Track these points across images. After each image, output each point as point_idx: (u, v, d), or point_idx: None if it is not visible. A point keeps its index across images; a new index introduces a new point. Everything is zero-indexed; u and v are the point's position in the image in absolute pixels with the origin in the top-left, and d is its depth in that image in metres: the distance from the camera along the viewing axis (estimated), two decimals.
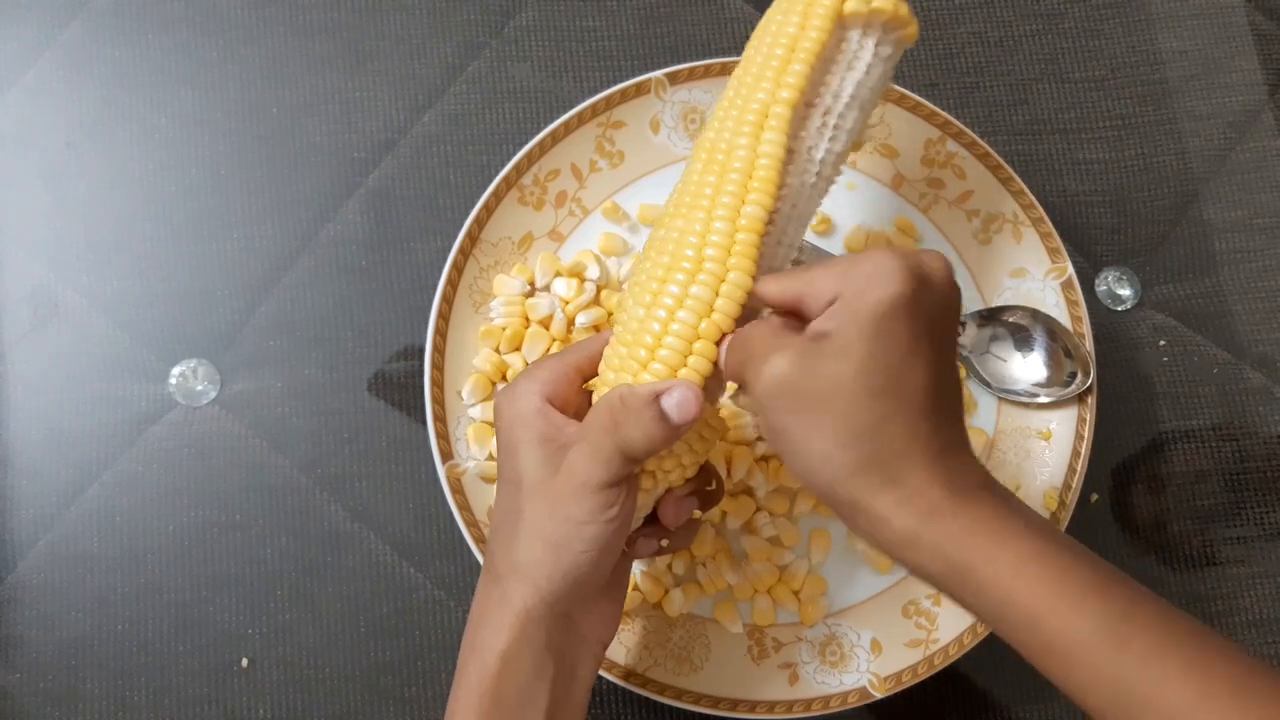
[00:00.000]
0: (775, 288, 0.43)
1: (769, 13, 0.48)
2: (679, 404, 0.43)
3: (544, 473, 0.44)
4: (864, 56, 0.47)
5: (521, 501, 0.44)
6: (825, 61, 0.46)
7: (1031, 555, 0.39)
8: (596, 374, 0.48)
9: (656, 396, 0.43)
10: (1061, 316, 0.60)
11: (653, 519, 0.49)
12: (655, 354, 0.44)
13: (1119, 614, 0.38)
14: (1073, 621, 0.38)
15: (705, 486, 0.50)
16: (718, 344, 0.44)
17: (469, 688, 0.44)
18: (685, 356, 0.44)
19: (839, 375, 0.39)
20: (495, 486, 0.49)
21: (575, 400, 0.48)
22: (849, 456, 0.39)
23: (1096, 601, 0.38)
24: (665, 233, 0.46)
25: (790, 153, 0.46)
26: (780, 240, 0.47)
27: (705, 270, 0.44)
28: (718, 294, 0.44)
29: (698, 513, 0.51)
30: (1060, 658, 0.38)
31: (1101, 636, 0.37)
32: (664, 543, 0.50)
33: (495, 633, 0.43)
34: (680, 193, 0.47)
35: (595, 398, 0.47)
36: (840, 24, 0.46)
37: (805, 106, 0.46)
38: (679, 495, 0.49)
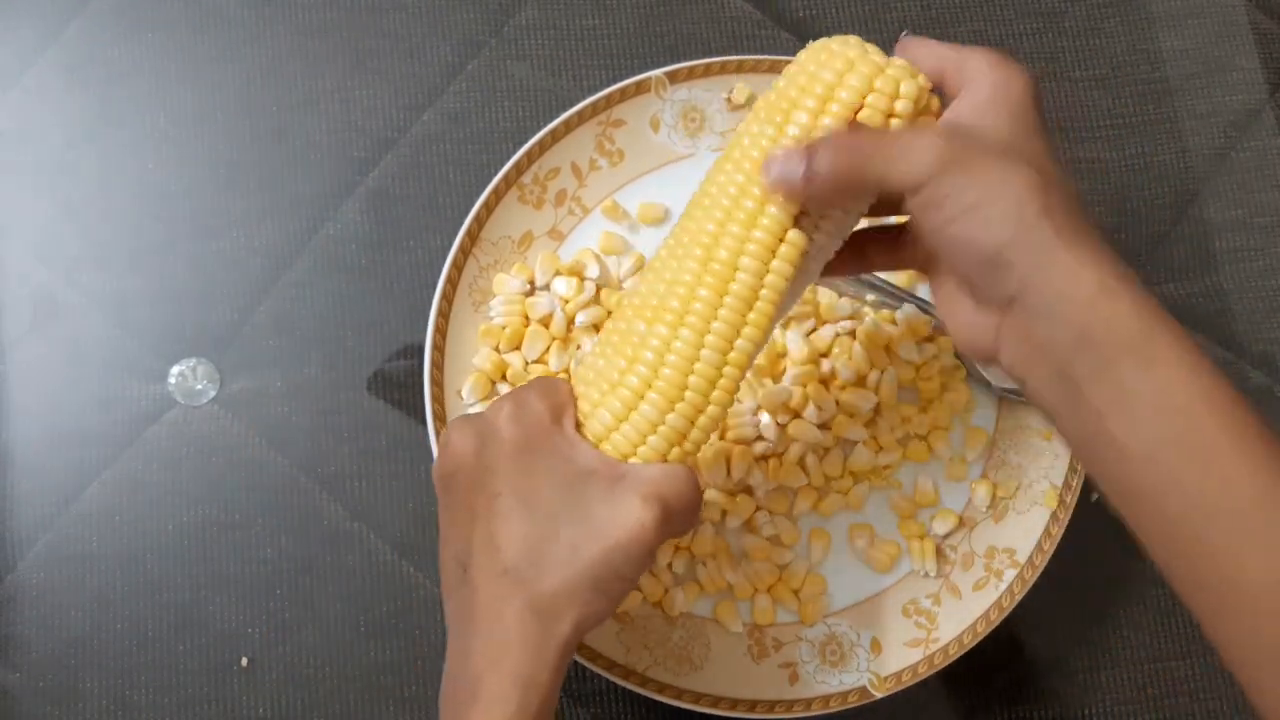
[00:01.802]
0: (927, 52, 0.44)
1: (798, 66, 0.45)
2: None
3: (573, 503, 0.44)
4: None
5: (560, 529, 0.44)
6: None
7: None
8: None
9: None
10: None
11: None
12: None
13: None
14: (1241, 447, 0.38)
15: None
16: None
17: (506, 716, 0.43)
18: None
19: (1014, 137, 0.41)
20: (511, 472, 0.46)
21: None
22: (1044, 201, 0.39)
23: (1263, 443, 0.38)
24: (652, 304, 0.46)
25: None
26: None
27: (689, 390, 0.45)
28: (694, 422, 0.46)
29: None
30: (1206, 465, 0.38)
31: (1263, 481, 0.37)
32: None
33: (539, 666, 0.43)
34: (674, 271, 0.46)
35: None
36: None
37: None
38: None
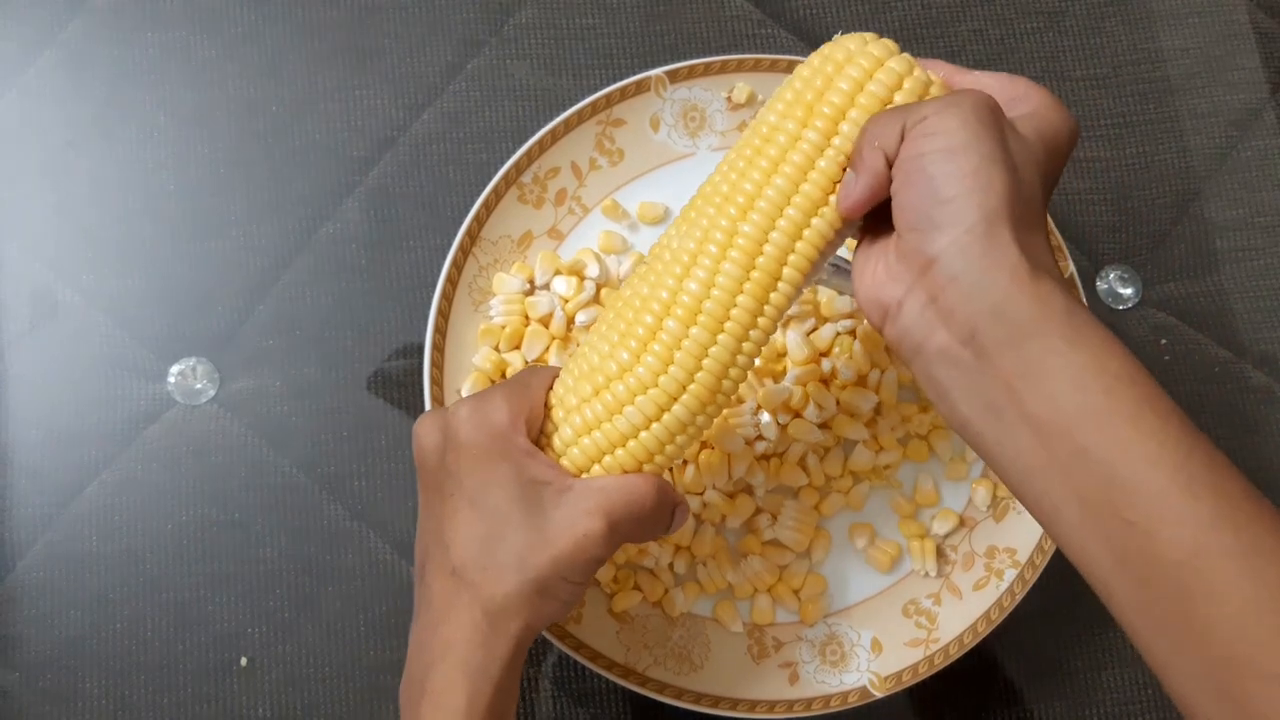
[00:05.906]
0: (974, 80, 0.47)
1: (821, 58, 0.47)
2: (679, 521, 0.49)
3: (523, 511, 0.45)
4: None
5: (508, 534, 0.45)
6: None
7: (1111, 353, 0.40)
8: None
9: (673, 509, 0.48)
10: None
11: None
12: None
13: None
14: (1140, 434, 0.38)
15: None
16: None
17: (459, 711, 0.44)
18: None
19: (1033, 152, 0.43)
20: (436, 496, 0.48)
21: (535, 429, 0.48)
22: (1013, 192, 0.40)
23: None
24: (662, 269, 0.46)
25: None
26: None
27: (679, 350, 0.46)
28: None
29: None
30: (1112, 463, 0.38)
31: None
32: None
33: (489, 659, 0.44)
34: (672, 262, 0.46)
35: (558, 426, 0.47)
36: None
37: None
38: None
